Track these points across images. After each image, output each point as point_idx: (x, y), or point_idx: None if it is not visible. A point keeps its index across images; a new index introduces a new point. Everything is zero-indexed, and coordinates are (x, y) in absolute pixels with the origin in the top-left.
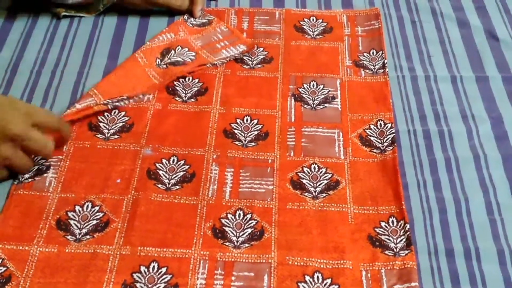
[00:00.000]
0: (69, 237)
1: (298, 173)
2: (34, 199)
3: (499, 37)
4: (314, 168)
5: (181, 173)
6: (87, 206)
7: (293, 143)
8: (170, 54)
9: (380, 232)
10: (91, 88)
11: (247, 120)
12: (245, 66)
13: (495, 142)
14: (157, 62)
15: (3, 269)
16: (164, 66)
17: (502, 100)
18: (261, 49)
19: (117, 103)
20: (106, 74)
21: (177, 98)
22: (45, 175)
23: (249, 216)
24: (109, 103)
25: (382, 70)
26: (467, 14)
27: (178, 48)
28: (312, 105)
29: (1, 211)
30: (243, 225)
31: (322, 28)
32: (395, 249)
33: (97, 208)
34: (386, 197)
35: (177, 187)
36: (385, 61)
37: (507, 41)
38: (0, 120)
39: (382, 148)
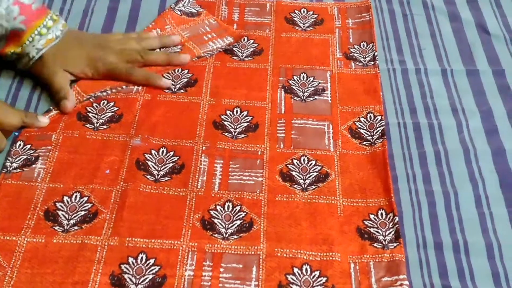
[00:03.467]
0: (57, 227)
1: (287, 165)
2: (22, 189)
3: (490, 31)
4: (304, 160)
5: (170, 165)
6: (76, 196)
7: (283, 135)
8: (155, 52)
9: (369, 225)
10: (73, 85)
11: (237, 111)
12: (235, 57)
13: (485, 136)
14: None
15: None
16: None
17: (492, 94)
18: (252, 41)
19: (99, 94)
20: None
21: (166, 90)
22: (33, 165)
23: (238, 208)
24: (91, 97)
25: (372, 63)
26: (458, 8)
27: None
28: (302, 97)
29: None
30: (232, 217)
31: (312, 20)
32: (383, 242)
33: (85, 198)
34: (375, 189)
35: (166, 178)
36: (376, 53)
37: (498, 35)
38: None
39: (371, 140)
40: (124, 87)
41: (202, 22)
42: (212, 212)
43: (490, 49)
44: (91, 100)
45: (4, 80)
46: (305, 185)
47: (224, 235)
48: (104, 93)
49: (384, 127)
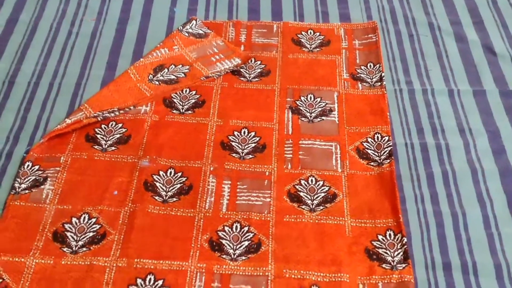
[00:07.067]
0: (65, 249)
1: (295, 186)
2: (31, 211)
3: (496, 51)
4: (312, 180)
5: (178, 185)
6: (84, 218)
7: (291, 155)
8: (163, 72)
9: (378, 245)
10: (82, 103)
11: (244, 132)
12: (242, 78)
13: (492, 156)
14: (149, 78)
15: None
16: (156, 82)
17: (499, 114)
18: (259, 62)
19: (107, 115)
20: (103, 86)
21: (174, 111)
22: (42, 186)
23: (246, 228)
24: (99, 115)
25: (379, 83)
26: (464, 29)
27: (172, 67)
28: (310, 118)
29: None
30: (240, 238)
31: (319, 41)
32: (392, 263)
33: (93, 220)
34: (383, 210)
35: (174, 199)
36: (383, 74)
37: (504, 55)
38: None
39: (379, 161)
40: (132, 107)
41: (210, 43)
42: (220, 233)
43: (496, 69)
44: (99, 119)
45: (12, 103)
46: (313, 206)
47: (232, 256)
48: (112, 114)
49: (391, 147)
